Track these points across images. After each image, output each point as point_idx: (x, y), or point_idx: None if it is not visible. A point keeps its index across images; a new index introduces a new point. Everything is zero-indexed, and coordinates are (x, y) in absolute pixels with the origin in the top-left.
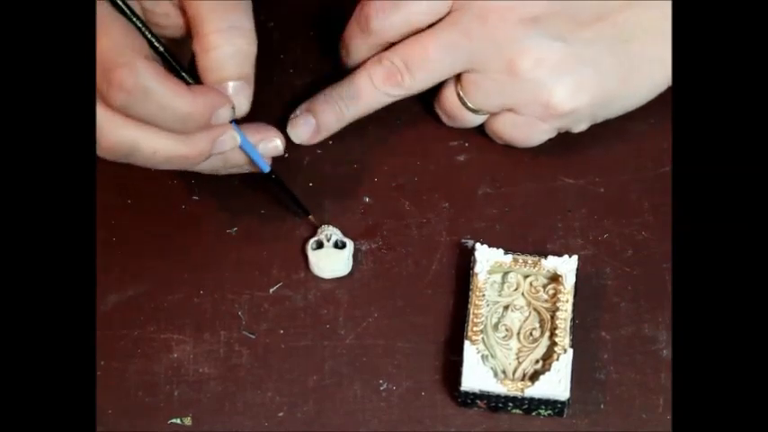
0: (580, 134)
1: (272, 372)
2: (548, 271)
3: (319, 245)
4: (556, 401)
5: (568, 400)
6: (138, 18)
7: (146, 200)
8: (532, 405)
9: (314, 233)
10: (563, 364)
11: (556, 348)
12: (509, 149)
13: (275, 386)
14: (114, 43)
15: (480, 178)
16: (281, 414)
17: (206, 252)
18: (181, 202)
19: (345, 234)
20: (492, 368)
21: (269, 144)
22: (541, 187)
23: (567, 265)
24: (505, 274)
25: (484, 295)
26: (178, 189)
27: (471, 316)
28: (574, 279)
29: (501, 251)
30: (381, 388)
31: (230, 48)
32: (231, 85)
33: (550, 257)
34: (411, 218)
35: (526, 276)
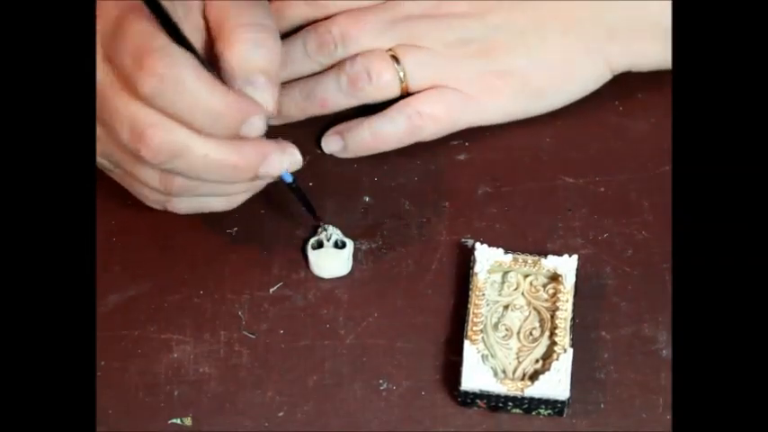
0: (580, 134)
1: (273, 372)
2: (548, 270)
3: (319, 244)
4: (556, 401)
5: (568, 399)
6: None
7: None
8: (532, 405)
9: (314, 233)
10: (563, 364)
11: (556, 348)
12: (509, 149)
13: (275, 386)
14: (148, 27)
15: (480, 178)
16: (281, 414)
17: (206, 252)
18: None
19: (345, 234)
20: (492, 368)
21: (291, 158)
22: (541, 187)
23: (567, 265)
24: (505, 273)
25: (484, 295)
26: None
27: (471, 316)
28: (574, 279)
29: (501, 251)
30: (381, 388)
31: (255, 41)
32: (258, 80)
33: (550, 257)
34: (411, 217)
35: (526, 276)
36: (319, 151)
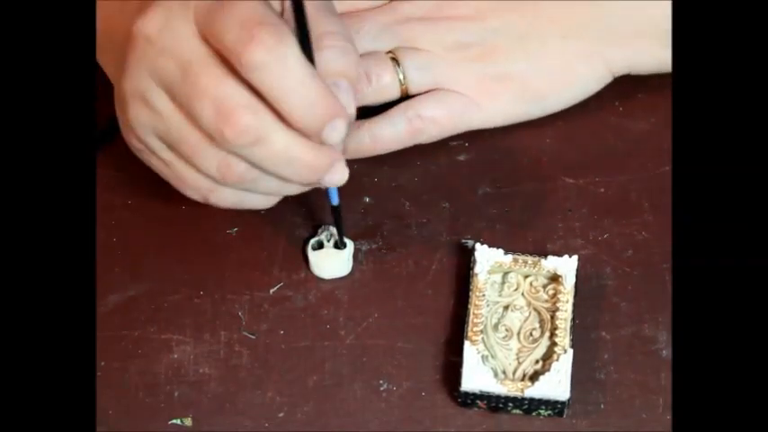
0: (580, 134)
1: (273, 372)
2: (548, 271)
3: (320, 245)
4: (556, 402)
5: (568, 400)
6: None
7: (146, 200)
8: (532, 405)
9: (314, 233)
10: (563, 365)
11: (556, 349)
12: (509, 150)
13: (275, 386)
14: (258, 3)
15: (480, 178)
16: (281, 414)
17: (206, 252)
18: (181, 202)
19: (345, 234)
20: (492, 368)
21: (335, 176)
22: (541, 188)
23: (567, 266)
24: (505, 274)
25: (484, 295)
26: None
27: (471, 316)
28: (574, 279)
29: (501, 251)
30: (381, 388)
31: (342, 48)
32: (342, 84)
33: (550, 257)
34: (411, 218)
35: (526, 276)
36: None
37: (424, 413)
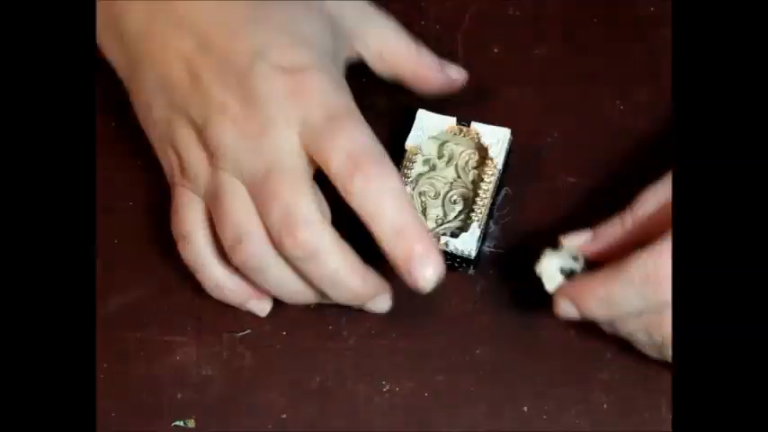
0: (581, 133)
1: (275, 373)
2: (478, 141)
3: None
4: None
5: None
6: None
7: (147, 201)
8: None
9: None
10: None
11: (470, 219)
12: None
13: (278, 388)
14: (369, 137)
15: None
16: (284, 416)
17: None
18: None
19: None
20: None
21: (376, 305)
22: (543, 187)
23: (496, 135)
24: (442, 144)
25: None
26: None
27: (404, 169)
28: (504, 152)
29: (441, 116)
30: (384, 389)
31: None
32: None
33: (482, 125)
34: None
35: (461, 153)
36: None
37: (427, 414)
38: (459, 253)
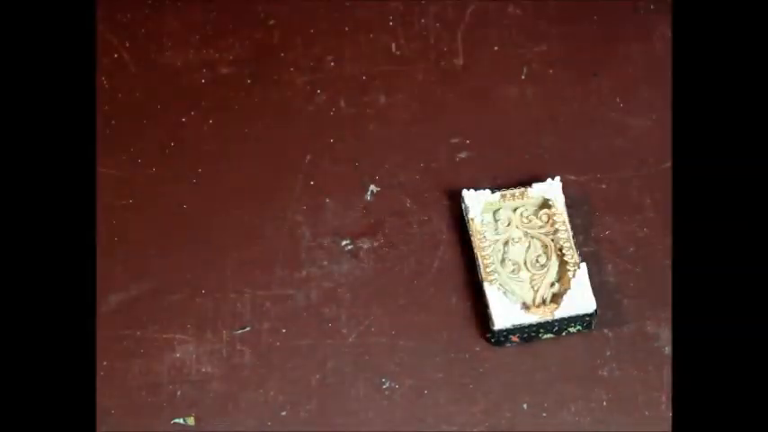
0: (581, 131)
1: (275, 371)
2: (535, 199)
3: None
4: (584, 315)
5: (595, 311)
6: None
7: (147, 200)
8: (563, 325)
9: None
10: (581, 279)
11: (568, 267)
12: (510, 147)
13: (278, 385)
14: None
15: (481, 176)
16: (283, 413)
17: (208, 251)
18: (182, 201)
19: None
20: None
21: None
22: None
23: (552, 189)
24: (495, 212)
25: (484, 236)
26: (179, 189)
27: (480, 259)
28: (563, 199)
29: (488, 191)
30: (384, 386)
31: None
32: None
33: (535, 185)
34: (413, 215)
35: (515, 209)
36: (321, 149)
37: (427, 411)
38: (576, 314)
